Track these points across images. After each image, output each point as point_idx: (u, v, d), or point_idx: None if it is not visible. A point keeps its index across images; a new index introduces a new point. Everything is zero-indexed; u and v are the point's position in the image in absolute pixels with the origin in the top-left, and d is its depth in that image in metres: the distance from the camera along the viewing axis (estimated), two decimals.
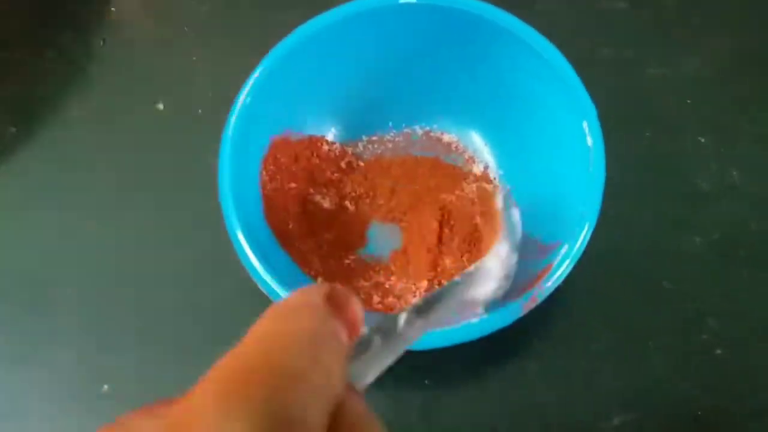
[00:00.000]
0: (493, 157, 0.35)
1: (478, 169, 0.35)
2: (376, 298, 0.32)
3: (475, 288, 0.26)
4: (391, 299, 0.32)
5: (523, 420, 0.32)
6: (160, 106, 0.38)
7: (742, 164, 0.36)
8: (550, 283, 0.27)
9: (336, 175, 0.35)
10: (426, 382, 0.32)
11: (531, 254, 0.30)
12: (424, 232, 0.33)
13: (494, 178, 0.35)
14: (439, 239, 0.33)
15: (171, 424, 0.11)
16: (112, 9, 0.40)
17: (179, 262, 0.34)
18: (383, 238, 0.34)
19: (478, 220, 0.34)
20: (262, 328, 0.13)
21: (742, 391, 0.32)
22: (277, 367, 0.11)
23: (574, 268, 0.28)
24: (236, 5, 0.41)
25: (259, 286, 0.27)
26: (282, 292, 0.27)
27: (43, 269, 0.35)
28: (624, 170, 0.35)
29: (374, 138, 0.36)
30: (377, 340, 0.16)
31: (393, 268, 0.33)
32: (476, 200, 0.34)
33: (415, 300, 0.18)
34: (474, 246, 0.33)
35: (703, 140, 0.37)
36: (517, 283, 0.28)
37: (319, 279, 0.32)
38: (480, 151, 0.36)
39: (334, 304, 0.14)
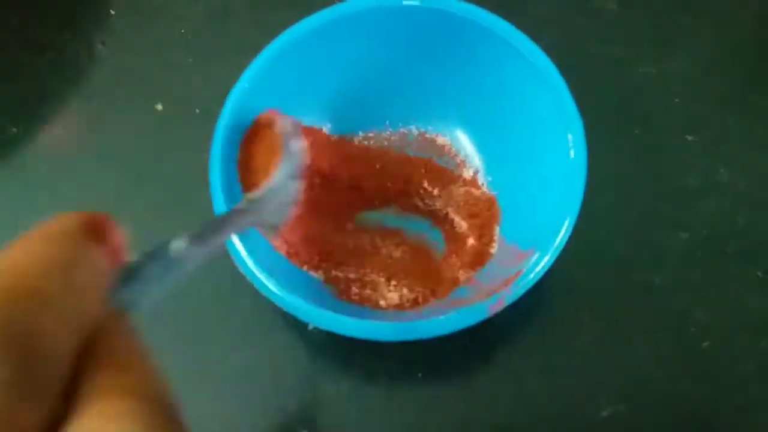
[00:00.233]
0: (483, 162, 0.36)
1: (467, 174, 0.36)
2: (354, 290, 0.33)
3: (258, 214, 0.27)
4: (368, 291, 0.33)
5: (513, 413, 0.32)
6: (159, 107, 0.38)
7: (729, 161, 0.37)
8: (516, 288, 0.28)
9: (328, 163, 0.35)
10: (419, 375, 0.33)
11: (508, 260, 0.30)
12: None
13: (482, 184, 0.35)
14: None
15: None
16: (111, 11, 0.41)
17: None
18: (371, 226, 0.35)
19: (458, 221, 0.35)
20: (8, 253, 0.12)
21: (730, 383, 0.33)
22: (20, 288, 0.11)
23: (563, 263, 0.28)
24: (232, 5, 0.41)
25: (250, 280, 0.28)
26: (272, 287, 0.28)
27: None
28: (613, 167, 0.36)
29: (370, 135, 0.37)
30: (150, 266, 0.16)
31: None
32: (461, 204, 0.35)
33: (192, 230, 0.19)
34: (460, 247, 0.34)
35: (690, 138, 0.37)
36: (490, 285, 0.28)
37: (305, 267, 0.32)
38: (471, 156, 0.36)
39: (93, 231, 0.13)
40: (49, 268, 0.12)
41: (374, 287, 0.33)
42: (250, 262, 0.28)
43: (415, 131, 0.37)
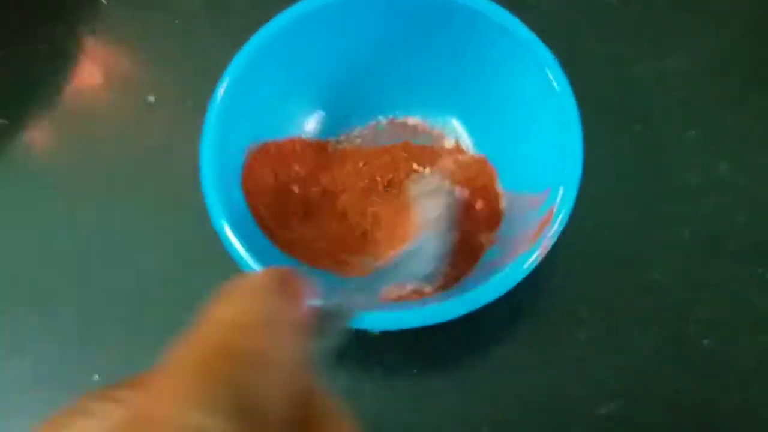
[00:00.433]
0: (462, 127, 0.36)
1: (449, 144, 0.36)
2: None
3: (413, 267, 0.27)
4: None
5: (510, 409, 0.32)
6: (151, 99, 0.38)
7: (730, 158, 0.37)
8: (556, 226, 0.27)
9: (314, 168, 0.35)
10: (414, 371, 0.32)
11: (524, 208, 0.30)
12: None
13: (467, 148, 0.35)
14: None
15: (132, 414, 0.11)
16: (104, 2, 0.41)
17: (170, 253, 0.34)
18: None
19: (459, 189, 0.34)
20: (218, 312, 0.12)
21: (730, 381, 0.32)
22: (239, 352, 0.11)
23: (562, 260, 0.28)
24: None
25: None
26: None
27: (32, 261, 0.35)
28: (613, 164, 0.36)
29: (342, 138, 0.36)
30: (332, 318, 0.16)
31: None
32: (454, 172, 0.35)
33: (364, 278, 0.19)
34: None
35: (691, 135, 0.37)
36: (520, 236, 0.28)
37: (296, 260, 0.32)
38: (447, 125, 0.36)
39: (288, 287, 0.13)
40: (261, 329, 0.12)
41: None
42: (250, 260, 0.27)
43: (383, 120, 0.37)
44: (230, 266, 0.28)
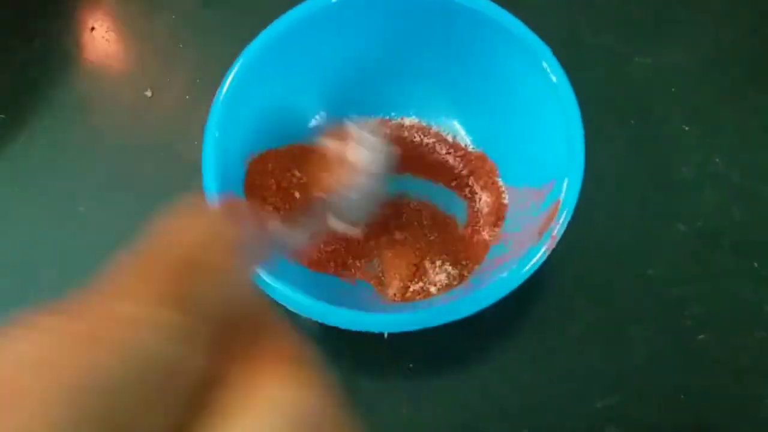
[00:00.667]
0: (460, 125, 0.36)
1: (448, 140, 0.36)
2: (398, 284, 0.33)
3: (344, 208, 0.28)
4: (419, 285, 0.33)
5: (506, 404, 0.32)
6: (149, 93, 0.38)
7: (725, 152, 0.37)
8: (563, 215, 0.27)
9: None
10: (410, 365, 0.32)
11: (528, 202, 0.30)
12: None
13: (466, 146, 0.36)
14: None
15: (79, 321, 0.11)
16: None
17: None
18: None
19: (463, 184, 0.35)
20: (169, 228, 0.13)
21: (725, 376, 0.32)
22: (187, 259, 0.12)
23: (558, 254, 0.28)
24: None
25: None
26: (266, 277, 0.27)
27: (31, 255, 0.35)
28: (608, 158, 0.36)
29: None
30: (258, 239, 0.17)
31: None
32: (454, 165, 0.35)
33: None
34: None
35: (687, 128, 0.37)
36: (524, 231, 0.28)
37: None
38: (444, 123, 0.36)
39: (231, 212, 0.14)
40: (208, 243, 0.13)
41: (423, 274, 0.33)
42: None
43: (382, 119, 0.37)
44: None
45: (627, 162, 0.36)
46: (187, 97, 0.37)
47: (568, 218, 0.28)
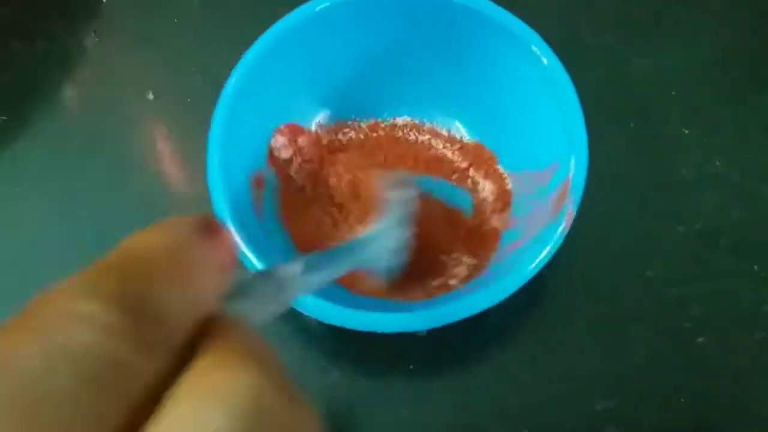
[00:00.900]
0: (454, 118, 0.36)
1: (443, 134, 0.36)
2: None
3: (367, 253, 0.27)
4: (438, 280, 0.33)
5: (506, 406, 0.32)
6: (150, 96, 0.38)
7: (724, 154, 0.37)
8: (574, 192, 0.28)
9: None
10: (410, 367, 0.32)
11: (534, 185, 0.31)
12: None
13: (461, 137, 0.36)
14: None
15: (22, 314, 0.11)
16: (103, 0, 0.41)
17: None
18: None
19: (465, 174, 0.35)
20: (129, 239, 0.12)
21: (725, 378, 0.33)
22: (138, 260, 0.11)
23: (558, 254, 0.28)
24: None
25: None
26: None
27: (32, 257, 0.35)
28: (608, 160, 0.36)
29: (340, 137, 0.36)
30: (261, 285, 0.16)
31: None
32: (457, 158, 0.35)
33: (308, 256, 0.19)
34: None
35: (686, 131, 0.37)
36: (534, 213, 0.29)
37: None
38: (439, 119, 0.36)
39: (206, 230, 0.13)
40: (166, 251, 0.12)
41: (441, 269, 0.33)
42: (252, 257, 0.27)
43: (376, 120, 0.37)
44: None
45: (626, 162, 0.37)
46: (189, 99, 0.38)
47: (580, 194, 0.28)
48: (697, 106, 0.38)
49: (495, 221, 0.33)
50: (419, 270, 0.32)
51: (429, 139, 0.36)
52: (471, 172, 0.35)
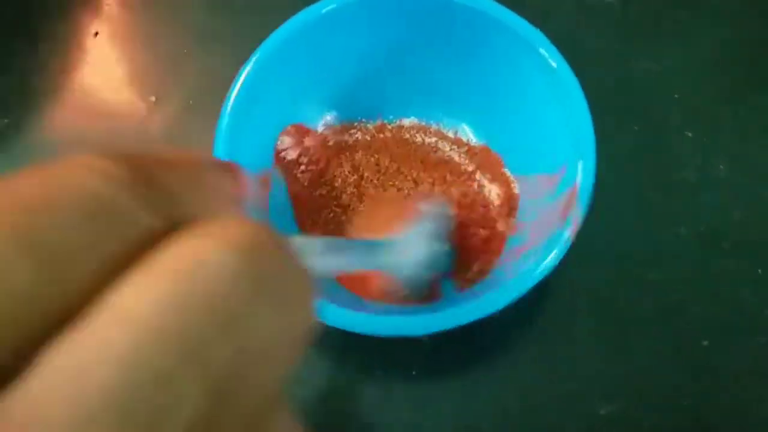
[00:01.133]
0: (461, 121, 0.36)
1: (449, 136, 0.36)
2: None
3: (393, 257, 0.26)
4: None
5: (509, 411, 0.32)
6: (153, 99, 0.38)
7: (727, 157, 0.37)
8: (582, 201, 0.28)
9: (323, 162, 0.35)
10: (414, 372, 0.32)
11: (541, 189, 0.31)
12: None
13: (468, 140, 0.36)
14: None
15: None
16: (105, 1, 0.41)
17: None
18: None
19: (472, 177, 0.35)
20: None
21: (728, 379, 0.33)
22: (160, 157, 0.11)
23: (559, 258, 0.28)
24: None
25: None
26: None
27: None
28: (611, 163, 0.36)
29: (346, 138, 0.36)
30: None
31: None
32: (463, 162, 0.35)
33: (327, 238, 0.18)
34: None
35: (690, 134, 0.37)
36: (541, 219, 0.29)
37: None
38: (445, 121, 0.36)
39: (221, 166, 0.12)
40: (188, 160, 0.12)
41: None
42: None
43: (384, 121, 0.37)
44: None
45: (630, 167, 0.37)
46: (191, 102, 0.38)
47: (588, 200, 0.28)
48: (699, 108, 0.38)
49: (501, 225, 0.33)
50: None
51: (436, 141, 0.36)
52: (477, 175, 0.35)
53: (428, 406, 0.32)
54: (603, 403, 0.32)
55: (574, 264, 0.34)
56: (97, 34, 0.40)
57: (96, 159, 0.10)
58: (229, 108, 0.30)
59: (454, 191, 0.35)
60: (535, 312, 0.34)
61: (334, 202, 0.35)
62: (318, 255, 0.18)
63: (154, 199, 0.10)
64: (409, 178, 0.35)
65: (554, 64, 0.30)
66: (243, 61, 0.30)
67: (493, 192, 0.34)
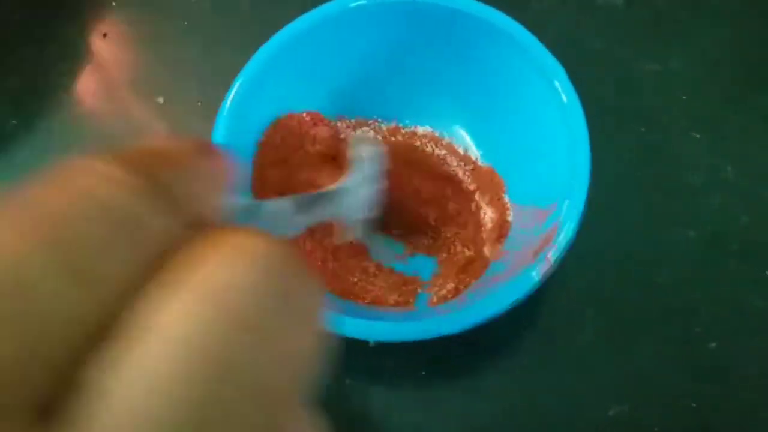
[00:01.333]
0: (470, 139, 0.36)
1: (459, 152, 0.36)
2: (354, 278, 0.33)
3: (344, 205, 0.27)
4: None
5: (517, 413, 0.32)
6: (161, 100, 0.38)
7: (734, 159, 0.37)
8: (560, 238, 0.27)
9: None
10: (422, 373, 0.33)
11: (530, 222, 0.30)
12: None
13: (476, 159, 0.36)
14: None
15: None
16: (113, 3, 0.41)
17: None
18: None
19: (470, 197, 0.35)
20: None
21: (735, 383, 0.33)
22: (151, 151, 0.11)
23: (566, 261, 0.28)
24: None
25: None
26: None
27: None
28: (618, 165, 0.36)
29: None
30: (254, 216, 0.17)
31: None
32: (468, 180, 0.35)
33: (296, 196, 0.19)
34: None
35: (696, 136, 0.37)
36: (523, 251, 0.28)
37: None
38: (456, 135, 0.36)
39: (204, 150, 0.13)
40: (175, 149, 0.12)
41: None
42: None
43: (391, 127, 0.37)
44: None
45: (636, 169, 0.36)
46: (199, 103, 0.38)
47: (567, 241, 0.27)
48: (705, 111, 0.38)
49: (487, 250, 0.33)
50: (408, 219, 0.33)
51: (445, 154, 0.36)
52: (476, 196, 0.35)
53: (437, 407, 0.32)
54: (611, 404, 0.32)
55: (582, 267, 0.34)
56: (105, 35, 0.40)
57: (103, 164, 0.10)
58: (228, 102, 0.30)
59: (451, 206, 0.35)
60: (543, 314, 0.34)
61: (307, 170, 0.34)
62: (292, 215, 0.19)
63: (166, 203, 0.11)
64: (409, 182, 0.35)
65: (566, 100, 0.29)
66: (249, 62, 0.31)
67: (487, 215, 0.34)
